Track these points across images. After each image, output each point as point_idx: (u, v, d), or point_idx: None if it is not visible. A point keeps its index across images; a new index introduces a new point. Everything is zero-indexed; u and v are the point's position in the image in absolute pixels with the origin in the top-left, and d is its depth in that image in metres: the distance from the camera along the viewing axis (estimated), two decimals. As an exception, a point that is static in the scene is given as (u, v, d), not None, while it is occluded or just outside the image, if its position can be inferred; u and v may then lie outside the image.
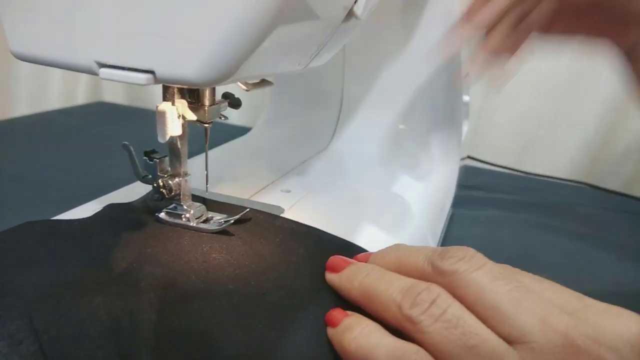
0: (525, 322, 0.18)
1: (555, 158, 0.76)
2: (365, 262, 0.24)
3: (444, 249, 0.21)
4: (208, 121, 0.26)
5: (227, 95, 0.28)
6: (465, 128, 0.49)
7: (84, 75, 0.99)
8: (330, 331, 0.21)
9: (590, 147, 0.74)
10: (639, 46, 0.36)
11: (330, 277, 0.24)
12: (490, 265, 0.20)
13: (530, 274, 0.21)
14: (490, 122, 0.77)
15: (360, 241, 0.28)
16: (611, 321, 0.18)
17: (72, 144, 0.66)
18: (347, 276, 0.23)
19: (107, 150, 0.63)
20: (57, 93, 0.97)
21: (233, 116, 0.92)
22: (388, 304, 0.20)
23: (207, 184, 0.29)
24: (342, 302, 0.23)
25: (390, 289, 0.20)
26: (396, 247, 0.24)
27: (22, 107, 0.96)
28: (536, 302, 0.19)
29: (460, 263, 0.20)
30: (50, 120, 0.78)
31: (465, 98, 0.48)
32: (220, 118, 0.28)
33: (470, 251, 0.20)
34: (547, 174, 0.71)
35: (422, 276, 0.21)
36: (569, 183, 0.67)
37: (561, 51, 0.68)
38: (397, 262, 0.22)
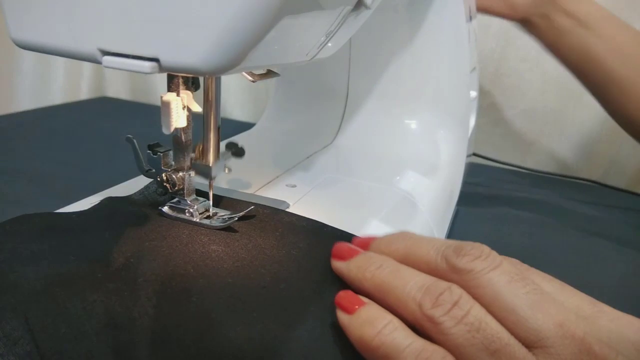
0: (543, 326, 0.18)
1: (560, 155, 0.76)
2: (367, 246, 0.23)
3: (457, 244, 0.20)
4: (213, 176, 0.27)
5: (230, 145, 0.29)
6: (472, 124, 0.49)
7: (86, 70, 0.98)
8: (344, 319, 0.20)
9: (596, 144, 0.73)
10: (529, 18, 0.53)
11: (337, 264, 0.23)
12: (506, 264, 0.19)
13: (539, 272, 0.20)
14: (496, 119, 0.77)
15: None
16: (625, 329, 0.18)
17: (75, 139, 0.66)
18: (357, 266, 0.22)
19: (110, 145, 0.62)
20: (60, 88, 0.97)
21: (236, 112, 0.92)
22: (406, 301, 0.19)
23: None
24: None
25: (408, 285, 0.20)
26: (403, 235, 0.23)
27: (24, 102, 0.96)
28: (553, 305, 0.18)
29: (476, 262, 0.19)
30: (52, 115, 0.77)
31: (473, 94, 0.48)
32: (225, 171, 0.28)
33: (486, 249, 0.20)
34: (552, 171, 0.70)
35: (433, 271, 0.20)
36: (574, 180, 0.66)
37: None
38: (406, 252, 0.22)
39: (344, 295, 0.21)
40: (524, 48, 0.72)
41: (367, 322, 0.19)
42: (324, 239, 0.26)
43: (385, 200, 0.35)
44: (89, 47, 0.20)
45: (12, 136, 0.64)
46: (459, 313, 0.18)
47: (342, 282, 0.23)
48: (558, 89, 0.72)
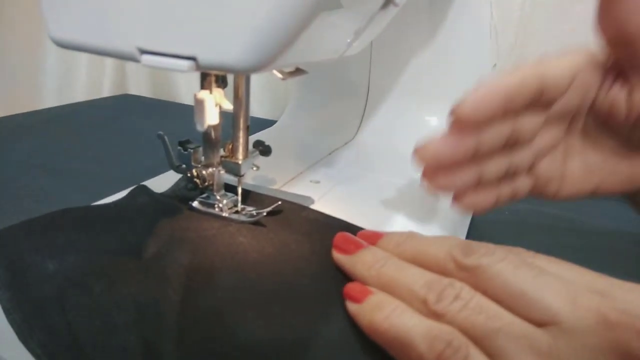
0: (554, 303, 0.18)
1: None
2: (374, 241, 0.24)
3: (465, 244, 0.21)
4: (242, 174, 0.28)
5: (257, 144, 0.29)
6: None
7: (109, 68, 1.00)
8: (353, 307, 0.21)
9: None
10: None
11: (340, 257, 0.23)
12: (512, 256, 0.20)
13: (547, 257, 0.21)
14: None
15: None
16: None
17: (99, 135, 0.67)
18: (361, 261, 0.22)
19: (133, 142, 0.64)
20: (83, 85, 0.99)
21: (255, 109, 0.92)
22: (411, 299, 0.20)
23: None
24: None
25: (412, 283, 0.20)
26: (411, 236, 0.23)
27: (49, 99, 0.98)
28: (562, 284, 0.19)
29: (483, 258, 0.20)
30: (76, 112, 0.79)
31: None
32: (252, 168, 0.29)
33: (491, 246, 0.20)
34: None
35: (442, 271, 0.21)
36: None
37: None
38: (415, 253, 0.22)
39: (352, 286, 0.21)
40: (543, 44, 0.71)
41: (376, 307, 0.20)
42: None
43: (408, 196, 0.35)
44: (128, 46, 0.20)
45: (39, 132, 0.66)
46: (461, 303, 0.19)
47: None
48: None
